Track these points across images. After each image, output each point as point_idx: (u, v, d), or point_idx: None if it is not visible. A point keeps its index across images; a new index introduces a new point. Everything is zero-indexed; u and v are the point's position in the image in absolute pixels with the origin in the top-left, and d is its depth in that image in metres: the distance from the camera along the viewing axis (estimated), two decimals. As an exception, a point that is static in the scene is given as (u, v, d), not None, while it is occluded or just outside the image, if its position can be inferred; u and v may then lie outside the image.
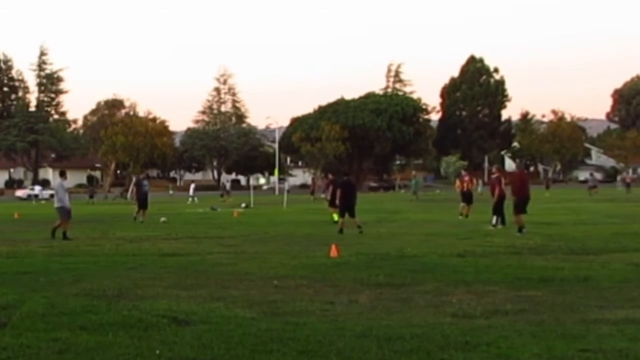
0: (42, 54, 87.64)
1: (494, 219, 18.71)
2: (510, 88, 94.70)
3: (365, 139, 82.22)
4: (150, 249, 13.90)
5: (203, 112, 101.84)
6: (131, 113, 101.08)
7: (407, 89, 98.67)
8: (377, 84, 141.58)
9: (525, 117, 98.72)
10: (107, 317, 6.69)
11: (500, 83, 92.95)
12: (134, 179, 26.21)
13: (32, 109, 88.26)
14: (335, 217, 21.68)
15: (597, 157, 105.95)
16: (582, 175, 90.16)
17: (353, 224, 17.63)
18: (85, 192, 79.57)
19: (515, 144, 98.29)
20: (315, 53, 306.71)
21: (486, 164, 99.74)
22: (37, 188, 58.18)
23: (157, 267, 10.75)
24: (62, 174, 18.14)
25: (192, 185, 53.02)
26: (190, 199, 46.72)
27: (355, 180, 76.18)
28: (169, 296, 7.96)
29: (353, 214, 17.92)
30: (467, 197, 24.08)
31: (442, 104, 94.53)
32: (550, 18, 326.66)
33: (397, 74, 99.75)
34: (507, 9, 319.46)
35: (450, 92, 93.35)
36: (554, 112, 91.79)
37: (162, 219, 23.17)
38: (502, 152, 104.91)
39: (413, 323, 6.39)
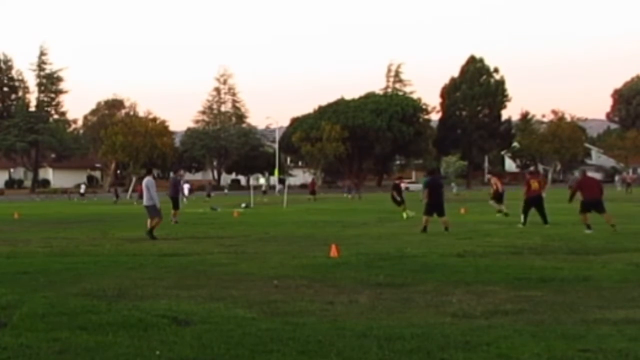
0: (42, 54, 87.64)
1: (522, 217, 19.38)
2: (510, 88, 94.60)
3: (365, 139, 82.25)
4: (151, 249, 13.90)
5: (203, 112, 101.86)
6: (131, 113, 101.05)
7: (407, 89, 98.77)
8: (377, 84, 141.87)
9: (525, 117, 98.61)
10: (107, 317, 6.68)
11: (500, 83, 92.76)
12: (171, 178, 25.78)
13: (32, 109, 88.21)
14: (405, 215, 22.71)
15: (597, 157, 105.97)
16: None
17: (442, 223, 17.67)
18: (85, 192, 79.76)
19: (515, 144, 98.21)
20: (315, 53, 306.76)
21: (486, 164, 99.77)
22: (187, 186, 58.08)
23: (157, 267, 10.75)
24: (150, 172, 18.19)
25: (187, 186, 53.52)
26: (184, 199, 47.14)
27: (356, 180, 76.44)
28: (169, 296, 7.96)
29: (442, 213, 17.93)
30: (499, 196, 25.15)
31: (442, 104, 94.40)
32: (551, 18, 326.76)
33: (397, 74, 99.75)
34: (507, 9, 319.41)
35: (450, 92, 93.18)
36: (554, 112, 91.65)
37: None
38: (502, 152, 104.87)
39: (413, 323, 6.39)
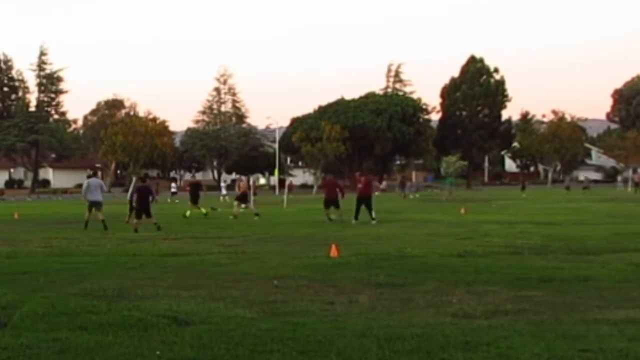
0: (42, 54, 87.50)
1: (372, 213, 21.71)
2: (510, 88, 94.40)
3: (365, 139, 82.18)
4: (151, 249, 13.90)
5: (203, 112, 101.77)
6: (131, 113, 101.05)
7: (407, 89, 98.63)
8: (377, 84, 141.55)
9: (525, 117, 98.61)
10: (107, 317, 6.69)
11: (500, 83, 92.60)
12: (133, 179, 26.38)
13: (32, 109, 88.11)
14: (188, 213, 24.37)
15: (597, 157, 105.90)
16: (582, 175, 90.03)
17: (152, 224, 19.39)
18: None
19: (515, 144, 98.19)
20: (315, 53, 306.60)
21: (486, 164, 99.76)
22: (223, 185, 57.27)
23: (157, 267, 10.75)
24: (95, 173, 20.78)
25: (224, 184, 54.13)
26: (222, 197, 47.65)
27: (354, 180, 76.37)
28: (169, 296, 7.96)
29: (148, 215, 19.79)
30: (242, 198, 28.11)
31: (442, 104, 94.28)
32: (550, 18, 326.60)
33: (397, 74, 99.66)
34: (508, 9, 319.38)
35: (450, 92, 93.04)
36: (554, 112, 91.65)
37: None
38: (502, 152, 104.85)
39: (413, 323, 6.39)
